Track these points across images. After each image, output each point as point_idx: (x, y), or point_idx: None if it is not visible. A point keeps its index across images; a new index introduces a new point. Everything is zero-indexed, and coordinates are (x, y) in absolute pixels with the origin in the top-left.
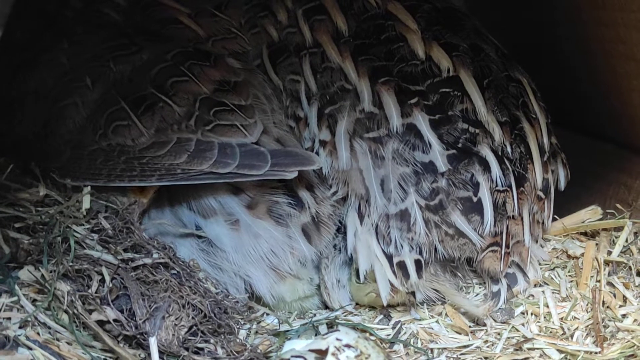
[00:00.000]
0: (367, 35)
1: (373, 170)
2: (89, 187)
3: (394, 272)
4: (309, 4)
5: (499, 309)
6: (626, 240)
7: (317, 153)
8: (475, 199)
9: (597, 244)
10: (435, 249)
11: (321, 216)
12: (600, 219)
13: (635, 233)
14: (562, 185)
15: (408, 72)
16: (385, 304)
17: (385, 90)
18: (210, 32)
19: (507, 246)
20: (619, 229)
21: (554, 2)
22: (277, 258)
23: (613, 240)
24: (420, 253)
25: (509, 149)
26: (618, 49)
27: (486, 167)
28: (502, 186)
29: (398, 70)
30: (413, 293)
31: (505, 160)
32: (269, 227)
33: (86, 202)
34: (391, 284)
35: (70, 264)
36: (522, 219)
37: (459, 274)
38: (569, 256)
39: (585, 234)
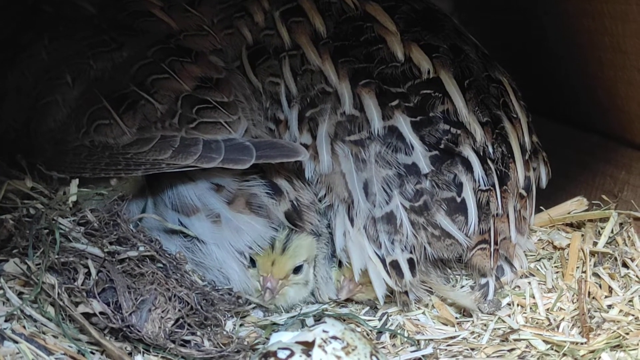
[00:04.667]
0: (346, 37)
1: (355, 174)
2: (76, 181)
3: (387, 272)
4: (286, 6)
5: (488, 300)
6: (612, 231)
7: None
8: (459, 199)
9: (582, 235)
10: (425, 250)
11: (301, 202)
12: (586, 210)
13: (621, 224)
14: (544, 183)
15: (388, 74)
16: (382, 302)
17: (366, 93)
18: (182, 27)
19: (496, 243)
20: (605, 220)
21: None
22: (260, 249)
23: (599, 231)
24: (412, 252)
25: (490, 149)
26: (604, 41)
27: (469, 168)
28: (485, 186)
29: (378, 72)
30: (406, 292)
31: (488, 160)
32: (249, 220)
33: (73, 196)
34: (386, 284)
35: (56, 256)
36: (507, 216)
37: (448, 268)
38: (554, 247)
39: (571, 225)
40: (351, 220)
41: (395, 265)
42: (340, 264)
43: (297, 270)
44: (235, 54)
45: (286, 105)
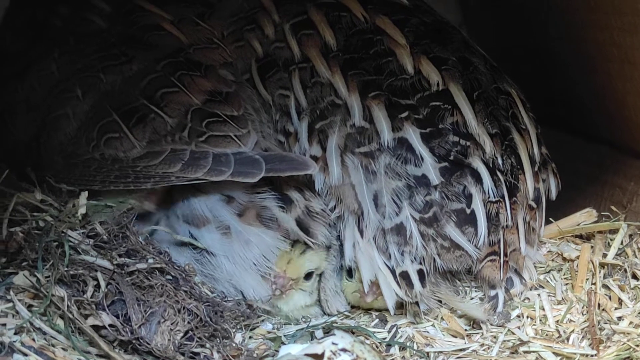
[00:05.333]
0: (355, 49)
1: (365, 185)
2: (86, 193)
3: (397, 283)
4: (296, 19)
5: (497, 312)
6: (621, 243)
7: None
8: (468, 211)
9: (592, 247)
10: (434, 261)
11: (312, 211)
12: (596, 222)
13: (630, 235)
14: (554, 194)
15: (398, 86)
16: (392, 313)
17: (376, 105)
18: (192, 40)
19: (505, 254)
20: (614, 231)
21: (549, 3)
22: (269, 262)
23: (608, 243)
24: (421, 263)
25: (500, 161)
26: (612, 52)
27: (478, 179)
28: (495, 197)
29: (388, 85)
30: (417, 303)
31: (497, 172)
32: (259, 233)
33: (82, 208)
34: (397, 295)
35: (66, 269)
36: (517, 228)
37: (457, 280)
38: (564, 259)
39: (580, 236)
40: (361, 232)
41: (405, 276)
42: (350, 274)
43: (308, 276)
44: (245, 67)
45: (296, 118)
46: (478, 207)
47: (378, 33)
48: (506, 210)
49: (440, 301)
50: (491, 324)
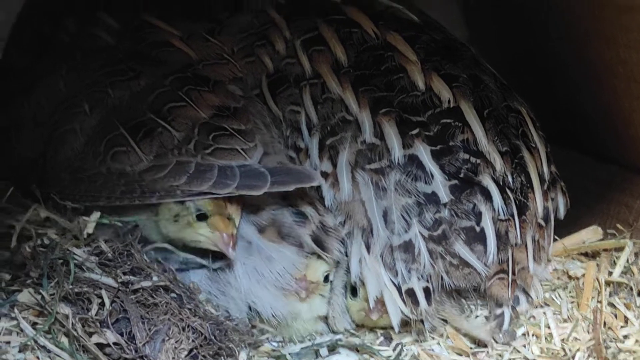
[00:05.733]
0: (366, 66)
1: (375, 202)
2: (98, 213)
3: (403, 300)
4: (307, 35)
5: (503, 330)
6: (627, 261)
7: None
8: (478, 229)
9: (597, 265)
10: (442, 279)
11: (325, 225)
12: (601, 239)
13: (636, 253)
14: (562, 214)
15: (409, 103)
16: (397, 331)
17: (387, 121)
18: (201, 56)
19: (514, 273)
20: (620, 249)
21: (549, 3)
22: (290, 276)
23: (614, 261)
24: (428, 281)
25: (510, 179)
26: (618, 70)
27: (488, 197)
28: (505, 215)
29: (399, 101)
30: (422, 321)
31: (507, 190)
32: (281, 249)
33: (90, 227)
34: (402, 312)
35: (71, 286)
36: (526, 246)
37: (463, 298)
38: (569, 277)
39: (586, 254)
40: (368, 248)
41: (411, 293)
42: (354, 292)
43: (326, 279)
44: (256, 82)
45: (307, 134)
46: (487, 225)
47: (389, 49)
48: (515, 228)
49: (445, 320)
50: (497, 342)
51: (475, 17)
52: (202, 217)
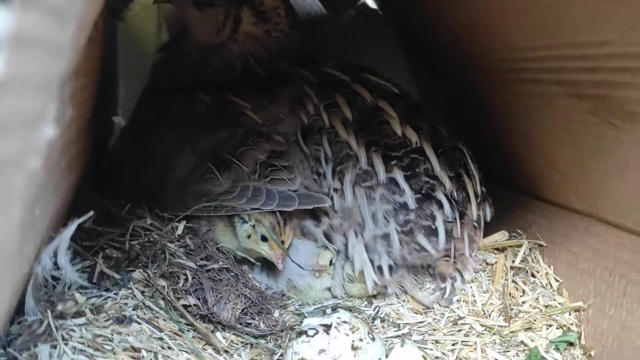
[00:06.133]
0: (364, 120)
1: (367, 207)
2: (184, 222)
3: (374, 272)
4: (327, 101)
5: (444, 298)
6: (524, 254)
7: (331, 197)
8: (433, 227)
9: (505, 256)
10: (405, 258)
11: (334, 226)
12: (507, 239)
13: (530, 249)
14: (489, 218)
15: (390, 144)
16: (370, 293)
17: (375, 155)
18: (265, 120)
19: (454, 257)
20: (519, 246)
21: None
22: (311, 261)
23: (515, 253)
24: (395, 261)
25: (455, 194)
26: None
27: (440, 206)
28: (451, 218)
29: (384, 143)
30: (386, 287)
31: (453, 201)
32: (304, 243)
33: (180, 229)
34: (373, 280)
35: (166, 268)
36: (464, 239)
37: (418, 274)
38: (487, 264)
39: (497, 249)
40: (356, 237)
41: (380, 268)
42: (351, 279)
43: (330, 263)
44: (294, 132)
45: (324, 164)
46: (440, 224)
47: (379, 110)
48: (458, 227)
49: (402, 287)
50: (440, 306)
51: (423, 83)
52: (264, 239)
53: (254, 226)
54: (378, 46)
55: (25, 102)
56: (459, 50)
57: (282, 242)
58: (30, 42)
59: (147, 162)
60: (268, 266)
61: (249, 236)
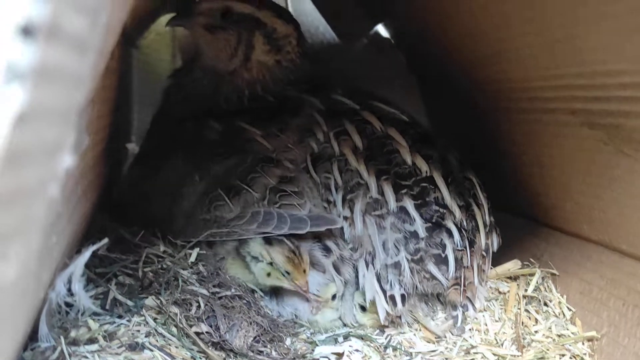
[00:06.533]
0: (374, 149)
1: (378, 236)
2: (198, 249)
3: (387, 302)
4: (337, 129)
5: (456, 327)
6: (537, 282)
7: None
8: (443, 255)
9: (518, 285)
10: (416, 287)
11: (343, 257)
12: (520, 268)
13: (543, 277)
14: (495, 248)
15: (400, 173)
16: (382, 323)
17: (386, 184)
18: (275, 147)
19: (464, 285)
20: (532, 274)
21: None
22: (318, 293)
23: (528, 282)
24: (405, 290)
25: (464, 223)
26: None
27: (450, 235)
28: (460, 247)
29: (394, 172)
30: (399, 317)
31: (462, 230)
32: (313, 274)
33: (193, 257)
34: (386, 310)
35: (179, 295)
36: (473, 268)
37: (429, 303)
38: (499, 292)
39: (510, 277)
40: (368, 266)
41: (392, 298)
42: (363, 309)
43: (333, 297)
44: (303, 159)
45: (334, 192)
46: (450, 253)
47: (389, 138)
48: (467, 256)
49: (417, 319)
50: (452, 335)
51: (434, 112)
52: (287, 273)
53: (270, 264)
54: (390, 74)
55: (47, 132)
56: (470, 79)
57: (304, 271)
58: (52, 74)
59: (157, 189)
60: (277, 294)
61: (268, 274)
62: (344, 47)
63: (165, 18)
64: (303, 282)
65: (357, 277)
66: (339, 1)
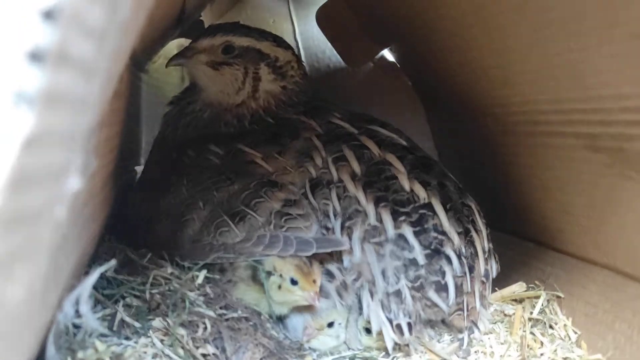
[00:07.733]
0: (372, 175)
1: (377, 264)
2: (205, 271)
3: (394, 331)
4: (335, 154)
5: (462, 349)
6: (542, 305)
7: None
8: (443, 282)
9: (523, 307)
10: (419, 315)
11: (346, 283)
12: (525, 291)
13: (548, 300)
14: (494, 274)
15: (399, 200)
16: (391, 352)
17: (384, 211)
18: (275, 169)
19: (467, 310)
20: (537, 297)
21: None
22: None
23: (533, 305)
24: (410, 317)
25: (463, 250)
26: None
27: (449, 261)
28: (460, 273)
29: (392, 198)
30: (408, 345)
31: (462, 257)
32: None
33: (200, 279)
34: (393, 340)
35: (186, 316)
36: (474, 293)
37: (435, 327)
38: (505, 315)
39: (515, 300)
40: (372, 295)
41: (399, 326)
42: (368, 331)
43: (330, 325)
44: (302, 185)
45: (333, 219)
46: (449, 279)
47: (387, 164)
48: (467, 282)
49: (422, 343)
50: (458, 357)
51: (440, 135)
52: (294, 282)
53: (281, 275)
54: (396, 98)
55: (54, 155)
56: (475, 103)
57: (314, 281)
58: (60, 98)
59: (160, 216)
60: (282, 321)
61: (279, 287)
62: (351, 71)
63: (173, 44)
64: (312, 291)
65: (359, 303)
66: (344, 26)
